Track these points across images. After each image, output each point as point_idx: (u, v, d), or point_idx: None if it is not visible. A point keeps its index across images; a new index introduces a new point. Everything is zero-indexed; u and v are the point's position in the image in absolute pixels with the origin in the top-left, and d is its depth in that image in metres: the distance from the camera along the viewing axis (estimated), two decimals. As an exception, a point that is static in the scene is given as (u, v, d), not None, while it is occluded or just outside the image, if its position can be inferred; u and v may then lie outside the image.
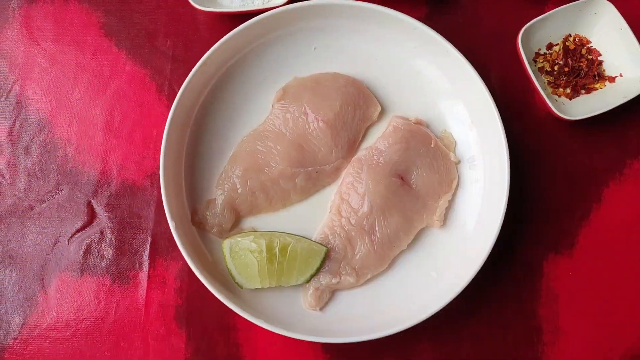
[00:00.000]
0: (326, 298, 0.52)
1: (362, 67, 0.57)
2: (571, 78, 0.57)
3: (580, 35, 0.58)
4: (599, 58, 0.57)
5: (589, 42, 0.58)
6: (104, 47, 0.60)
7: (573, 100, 0.57)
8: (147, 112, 0.58)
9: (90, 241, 0.56)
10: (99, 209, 0.56)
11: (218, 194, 0.53)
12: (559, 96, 0.57)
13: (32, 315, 0.54)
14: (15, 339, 0.54)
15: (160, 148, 0.51)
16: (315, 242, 0.52)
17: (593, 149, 0.57)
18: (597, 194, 0.56)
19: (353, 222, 0.53)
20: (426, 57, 0.55)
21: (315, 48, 0.56)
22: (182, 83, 0.52)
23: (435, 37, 0.53)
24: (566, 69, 0.57)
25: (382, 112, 0.56)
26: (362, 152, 0.55)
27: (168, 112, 0.52)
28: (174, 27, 0.60)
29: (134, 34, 0.60)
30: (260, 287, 0.50)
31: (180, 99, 0.51)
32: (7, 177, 0.57)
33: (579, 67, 0.57)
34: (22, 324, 0.54)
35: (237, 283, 0.50)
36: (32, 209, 0.57)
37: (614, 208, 0.56)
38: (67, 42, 0.60)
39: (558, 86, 0.57)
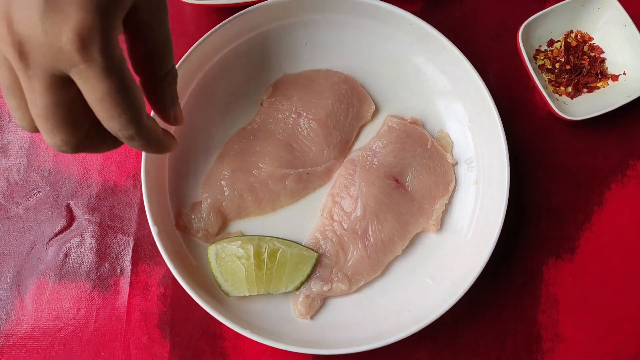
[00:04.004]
0: (317, 306, 0.49)
1: (355, 64, 0.54)
2: (573, 76, 0.55)
3: (583, 31, 0.56)
4: (602, 55, 0.55)
5: (591, 38, 0.56)
6: (85, 41, 0.57)
7: (575, 99, 0.55)
8: (130, 109, 0.55)
9: (70, 245, 0.53)
10: (79, 212, 0.54)
11: (204, 197, 0.51)
12: (560, 95, 0.55)
13: (7, 323, 0.51)
14: (-11, 348, 0.51)
15: (142, 148, 0.48)
16: (305, 247, 0.50)
17: (595, 150, 0.55)
18: (599, 197, 0.54)
19: (345, 226, 0.50)
20: (422, 53, 0.53)
21: (306, 43, 0.54)
22: (167, 79, 0.49)
23: (431, 33, 0.50)
24: (568, 67, 0.55)
25: (376, 111, 0.54)
26: (355, 153, 0.52)
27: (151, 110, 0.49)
28: (159, 20, 0.57)
29: (116, 27, 0.57)
30: (247, 294, 0.48)
31: (163, 96, 0.49)
32: (-19, 177, 0.54)
33: (581, 64, 0.55)
34: (-3, 333, 0.51)
35: (223, 291, 0.48)
36: (7, 211, 0.54)
37: (616, 211, 0.54)
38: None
39: (559, 84, 0.55)
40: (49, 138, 0.30)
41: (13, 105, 0.30)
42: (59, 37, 0.26)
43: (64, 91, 0.28)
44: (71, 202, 0.54)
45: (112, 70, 0.28)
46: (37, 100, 0.28)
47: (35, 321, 0.51)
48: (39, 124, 0.29)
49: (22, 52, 0.27)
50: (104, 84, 0.28)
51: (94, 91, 0.28)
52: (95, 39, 0.27)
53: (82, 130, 0.30)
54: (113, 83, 0.28)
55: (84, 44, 0.27)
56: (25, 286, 0.52)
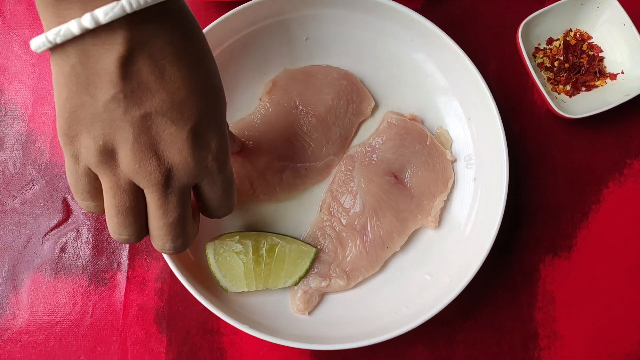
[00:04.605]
0: (315, 301, 0.49)
1: (355, 60, 0.54)
2: (571, 74, 0.55)
3: (582, 30, 0.56)
4: (601, 54, 0.55)
5: (590, 37, 0.56)
6: (82, 34, 0.56)
7: (573, 97, 0.55)
8: (128, 103, 0.55)
9: (66, 239, 0.53)
10: (75, 206, 0.53)
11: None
12: (559, 93, 0.55)
13: (2, 317, 0.51)
14: (-16, 343, 0.50)
15: (140, 142, 0.48)
16: (304, 242, 0.50)
17: (593, 148, 0.55)
18: (596, 195, 0.54)
19: (344, 222, 0.50)
20: (422, 50, 0.53)
21: (306, 39, 0.54)
22: (166, 73, 0.48)
23: (432, 29, 0.50)
24: (566, 65, 0.55)
25: (376, 108, 0.54)
26: (354, 149, 0.52)
27: (150, 104, 0.48)
28: (158, 13, 0.57)
29: (115, 20, 0.57)
30: (246, 290, 0.47)
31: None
32: (-24, 170, 0.54)
33: (580, 63, 0.55)
34: (-8, 327, 0.51)
35: (221, 287, 0.47)
36: (3, 205, 0.53)
37: (614, 209, 0.54)
38: (43, 28, 0.57)
39: (558, 83, 0.55)
40: (172, 242, 0.35)
41: (128, 222, 0.34)
42: (206, 159, 0.33)
43: (188, 199, 0.35)
44: (68, 196, 0.53)
45: (231, 171, 0.37)
46: (171, 212, 0.33)
47: (30, 315, 0.51)
48: (164, 233, 0.34)
49: (168, 177, 0.32)
50: (226, 182, 0.36)
51: (217, 189, 0.36)
52: (227, 153, 0.35)
53: (194, 229, 0.38)
54: (230, 179, 0.37)
55: (222, 159, 0.34)
56: (21, 280, 0.52)
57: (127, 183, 0.32)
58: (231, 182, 0.37)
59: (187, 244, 0.37)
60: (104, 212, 0.35)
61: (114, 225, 0.34)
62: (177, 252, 0.36)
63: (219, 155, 0.34)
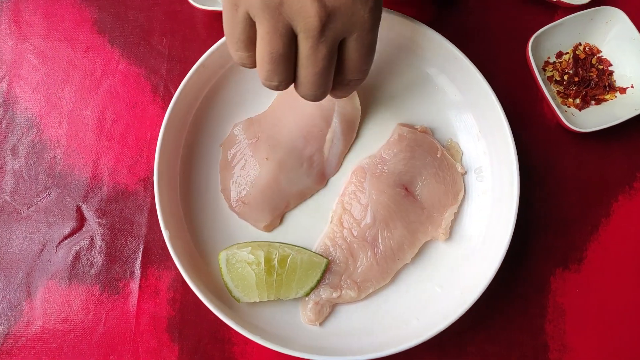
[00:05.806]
0: (326, 312, 0.50)
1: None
2: (581, 88, 0.55)
3: (591, 44, 0.56)
4: (610, 68, 0.56)
5: (599, 51, 0.56)
6: (97, 44, 0.57)
7: (583, 111, 0.55)
8: (141, 113, 0.56)
9: (80, 248, 0.53)
10: (89, 214, 0.54)
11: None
12: (569, 106, 0.55)
13: (17, 325, 0.52)
14: (-2, 350, 0.51)
15: (154, 151, 0.48)
16: (315, 253, 0.50)
17: (602, 162, 0.55)
18: (606, 208, 0.54)
19: (355, 233, 0.51)
20: (433, 63, 0.53)
21: (318, 51, 0.54)
22: (178, 84, 0.49)
23: (443, 43, 0.51)
24: (576, 79, 0.55)
25: (387, 120, 0.54)
26: (365, 161, 0.53)
27: (163, 114, 0.49)
28: (171, 25, 0.58)
29: (129, 31, 0.58)
30: (258, 300, 0.48)
31: (176, 101, 0.49)
32: (-8, 179, 0.55)
33: (589, 77, 0.55)
34: (6, 334, 0.51)
35: (234, 297, 0.48)
36: (18, 212, 0.54)
37: (623, 222, 0.54)
38: (57, 38, 0.58)
39: (567, 96, 0.56)
40: (314, 90, 0.36)
41: (280, 70, 0.35)
42: (365, 8, 0.33)
43: (335, 55, 0.35)
44: (82, 205, 0.54)
45: (376, 38, 0.37)
46: (319, 62, 0.34)
47: (44, 323, 0.52)
48: (310, 81, 0.35)
49: (325, 23, 0.32)
50: (372, 45, 0.36)
51: (363, 49, 0.36)
52: (380, 10, 0.35)
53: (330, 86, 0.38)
54: (375, 44, 0.37)
55: (377, 15, 0.35)
56: (35, 288, 0.52)
57: (285, 27, 0.33)
58: (374, 48, 0.37)
59: (325, 94, 0.37)
60: (254, 64, 0.36)
61: (266, 72, 0.35)
62: (317, 100, 0.38)
63: (376, 9, 0.34)
